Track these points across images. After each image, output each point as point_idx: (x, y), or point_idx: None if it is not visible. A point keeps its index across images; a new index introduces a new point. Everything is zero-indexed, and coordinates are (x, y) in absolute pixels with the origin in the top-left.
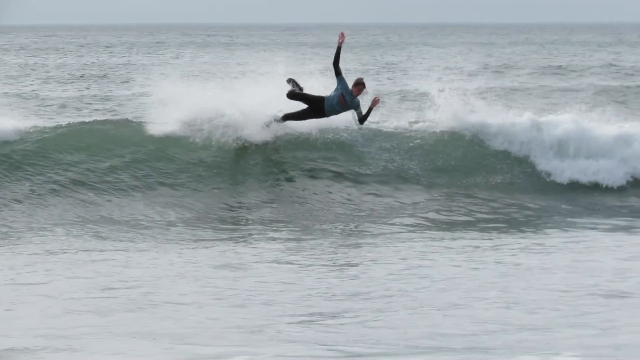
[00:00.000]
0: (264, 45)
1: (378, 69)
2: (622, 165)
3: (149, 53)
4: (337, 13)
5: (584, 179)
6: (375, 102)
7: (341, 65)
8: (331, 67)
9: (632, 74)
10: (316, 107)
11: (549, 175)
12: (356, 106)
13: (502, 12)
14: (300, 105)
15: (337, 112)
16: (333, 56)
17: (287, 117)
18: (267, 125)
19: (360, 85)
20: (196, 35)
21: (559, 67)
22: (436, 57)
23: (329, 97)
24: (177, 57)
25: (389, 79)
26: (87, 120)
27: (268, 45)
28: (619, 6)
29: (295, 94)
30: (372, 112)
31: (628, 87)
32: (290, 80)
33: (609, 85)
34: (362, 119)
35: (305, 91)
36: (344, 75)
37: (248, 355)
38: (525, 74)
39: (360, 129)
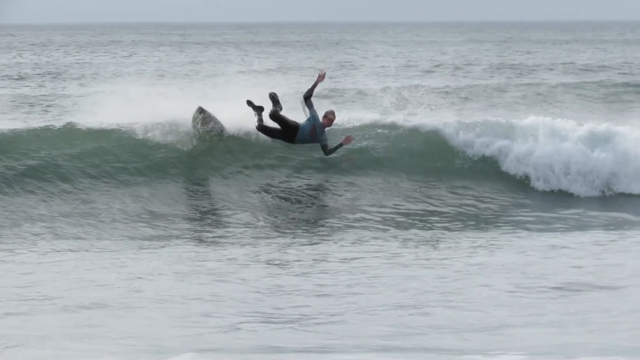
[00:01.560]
0: (218, 45)
1: (334, 66)
2: (587, 165)
3: (105, 53)
4: (291, 11)
5: (546, 178)
6: (348, 141)
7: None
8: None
9: (587, 70)
10: (289, 133)
11: (514, 175)
12: (323, 140)
13: (456, 10)
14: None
15: (305, 142)
16: (307, 89)
17: (261, 128)
18: (250, 104)
19: (330, 116)
20: (149, 34)
21: (516, 64)
22: (391, 54)
23: (302, 126)
24: (130, 56)
25: (345, 75)
26: (43, 119)
27: (221, 44)
28: (575, 5)
29: (277, 116)
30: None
31: (585, 82)
32: (272, 96)
33: (568, 81)
34: (328, 152)
35: (283, 113)
36: (315, 107)
37: (195, 351)
38: (482, 71)
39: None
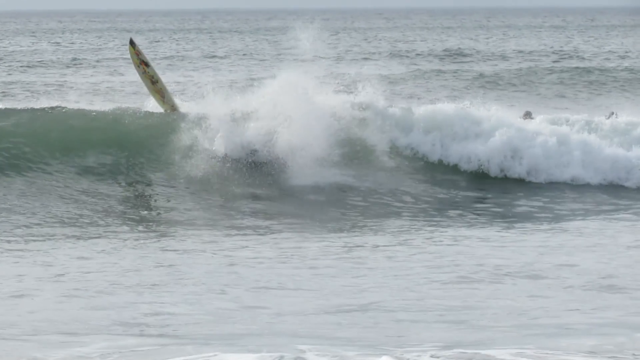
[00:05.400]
0: (154, 32)
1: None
2: (506, 151)
3: (38, 40)
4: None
5: (466, 164)
6: None
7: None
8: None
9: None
10: None
11: (429, 159)
12: None
13: None
14: None
15: None
16: None
17: None
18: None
19: None
20: (79, 21)
21: (444, 49)
22: (323, 40)
23: None
24: (58, 43)
25: (280, 61)
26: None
27: (156, 31)
28: None
29: None
30: None
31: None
32: None
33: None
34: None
35: None
36: None
37: (107, 342)
38: (414, 57)
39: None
